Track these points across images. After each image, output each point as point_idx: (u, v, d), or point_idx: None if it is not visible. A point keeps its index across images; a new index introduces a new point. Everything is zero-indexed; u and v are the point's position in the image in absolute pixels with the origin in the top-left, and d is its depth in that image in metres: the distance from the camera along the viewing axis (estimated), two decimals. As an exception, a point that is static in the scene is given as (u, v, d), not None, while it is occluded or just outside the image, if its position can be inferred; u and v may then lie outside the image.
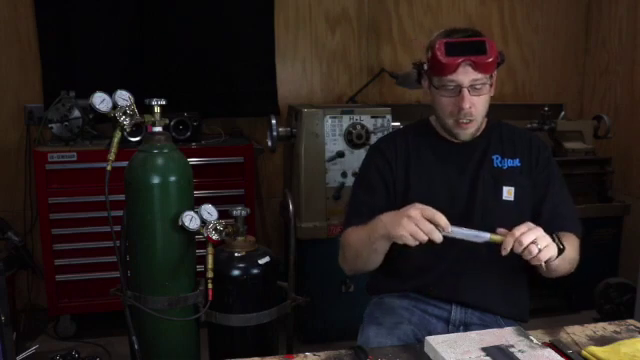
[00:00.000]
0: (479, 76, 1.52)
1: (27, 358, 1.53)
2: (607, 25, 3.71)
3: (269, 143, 2.99)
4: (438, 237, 1.33)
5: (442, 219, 1.34)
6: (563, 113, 3.56)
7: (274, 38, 3.42)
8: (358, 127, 2.89)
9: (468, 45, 1.52)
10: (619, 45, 3.62)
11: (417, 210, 1.34)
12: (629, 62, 3.54)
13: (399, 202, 1.56)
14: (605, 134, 3.32)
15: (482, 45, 1.52)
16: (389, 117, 2.95)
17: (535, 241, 1.32)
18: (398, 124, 2.94)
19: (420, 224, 1.33)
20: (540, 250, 1.32)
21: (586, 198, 3.24)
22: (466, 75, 1.52)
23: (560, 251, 1.38)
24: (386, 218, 1.43)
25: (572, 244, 1.55)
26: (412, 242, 1.34)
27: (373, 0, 3.54)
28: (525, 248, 1.32)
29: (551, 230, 1.49)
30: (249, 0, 3.34)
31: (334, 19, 3.51)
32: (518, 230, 1.33)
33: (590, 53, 3.87)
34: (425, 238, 1.33)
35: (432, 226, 1.33)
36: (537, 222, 1.58)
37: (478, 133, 1.64)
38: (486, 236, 1.35)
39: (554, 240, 1.37)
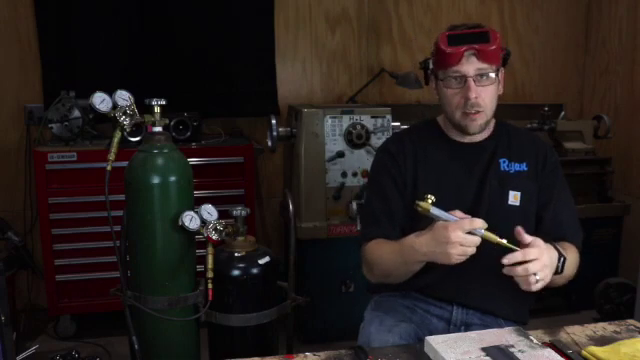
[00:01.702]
0: (484, 65, 1.52)
1: (27, 358, 1.53)
2: (607, 25, 3.71)
3: (269, 143, 2.99)
4: (479, 240, 1.33)
5: (477, 222, 1.33)
6: (563, 113, 3.56)
7: (274, 38, 3.42)
8: (358, 127, 2.89)
9: (471, 35, 1.52)
10: (619, 45, 3.62)
11: (456, 231, 1.32)
12: (629, 62, 3.54)
13: (408, 201, 1.57)
14: (605, 134, 3.32)
15: (485, 34, 1.52)
16: (389, 117, 2.95)
17: (536, 272, 1.30)
18: (398, 124, 2.94)
19: (466, 242, 1.32)
20: (537, 281, 1.31)
21: (586, 198, 3.24)
22: (471, 65, 1.51)
23: (557, 273, 1.39)
24: (424, 248, 1.40)
25: (573, 258, 1.54)
26: (463, 259, 1.35)
27: (373, 0, 3.54)
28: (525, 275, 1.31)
29: (553, 238, 1.50)
30: (249, 0, 3.34)
31: (334, 19, 3.51)
32: (529, 254, 1.30)
33: (590, 53, 3.87)
34: (474, 251, 1.34)
35: (474, 237, 1.33)
36: (538, 228, 1.59)
37: (486, 130, 1.63)
38: (480, 232, 1.34)
39: (558, 262, 1.37)
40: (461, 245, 1.32)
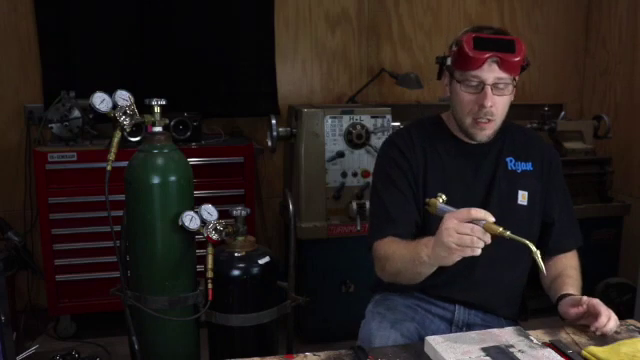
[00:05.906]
0: (504, 75, 1.50)
1: (27, 358, 1.54)
2: (607, 25, 3.71)
3: (269, 143, 2.98)
4: (481, 231, 1.19)
5: (477, 213, 1.20)
6: (563, 113, 3.56)
7: (274, 38, 3.41)
8: (358, 127, 2.89)
9: (497, 42, 1.50)
10: (619, 45, 3.62)
11: (450, 218, 1.22)
12: (629, 62, 3.54)
13: (418, 198, 1.56)
14: (605, 134, 3.32)
15: (511, 44, 1.50)
16: (389, 117, 2.95)
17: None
18: (398, 124, 2.94)
19: (462, 229, 1.20)
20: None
21: (586, 198, 3.24)
22: (491, 73, 1.49)
23: None
24: (428, 247, 1.31)
25: (578, 267, 1.62)
26: (467, 253, 1.21)
27: (373, 0, 3.54)
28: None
29: (563, 242, 1.59)
30: (249, 0, 3.34)
31: (334, 19, 3.51)
32: (608, 312, 1.37)
33: (590, 53, 3.87)
34: (476, 246, 1.20)
35: (471, 226, 1.19)
36: (549, 230, 1.64)
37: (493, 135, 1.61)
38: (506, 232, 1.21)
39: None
40: (458, 233, 1.20)
